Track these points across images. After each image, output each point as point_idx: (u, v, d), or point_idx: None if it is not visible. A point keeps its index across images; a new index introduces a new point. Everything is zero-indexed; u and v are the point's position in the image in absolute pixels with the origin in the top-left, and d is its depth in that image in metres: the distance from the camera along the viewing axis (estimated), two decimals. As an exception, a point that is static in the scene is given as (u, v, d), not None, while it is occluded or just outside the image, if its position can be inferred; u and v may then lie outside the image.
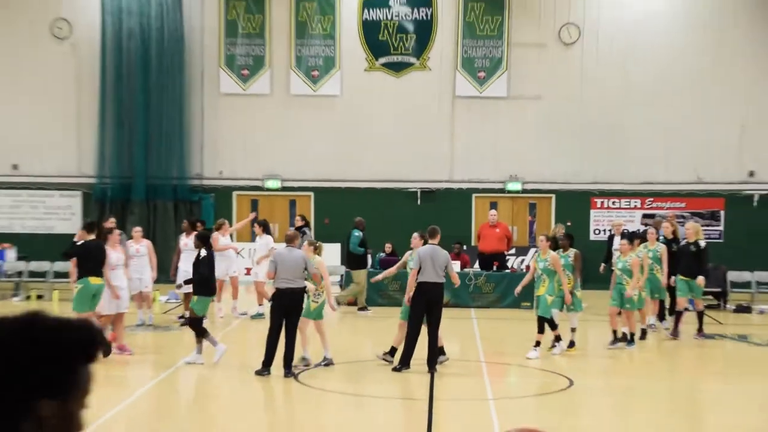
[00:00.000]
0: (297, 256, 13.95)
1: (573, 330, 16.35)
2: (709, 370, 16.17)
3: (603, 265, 21.33)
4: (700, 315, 18.43)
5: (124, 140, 28.16)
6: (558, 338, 16.06)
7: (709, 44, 28.18)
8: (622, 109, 28.27)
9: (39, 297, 23.95)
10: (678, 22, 28.27)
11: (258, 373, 13.76)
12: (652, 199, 28.45)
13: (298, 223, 22.48)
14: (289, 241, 14.30)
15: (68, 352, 2.17)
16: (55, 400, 2.15)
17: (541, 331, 15.82)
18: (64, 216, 28.51)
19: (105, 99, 28.07)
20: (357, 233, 22.46)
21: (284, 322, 13.72)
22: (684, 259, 18.33)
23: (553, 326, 15.94)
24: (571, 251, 16.57)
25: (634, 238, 18.20)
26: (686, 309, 18.56)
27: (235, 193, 28.91)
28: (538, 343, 15.76)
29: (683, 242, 18.68)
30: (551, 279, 15.98)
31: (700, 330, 18.24)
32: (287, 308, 13.79)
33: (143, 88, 27.91)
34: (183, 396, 13.63)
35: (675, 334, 18.04)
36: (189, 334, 15.32)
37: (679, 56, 28.22)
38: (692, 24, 28.24)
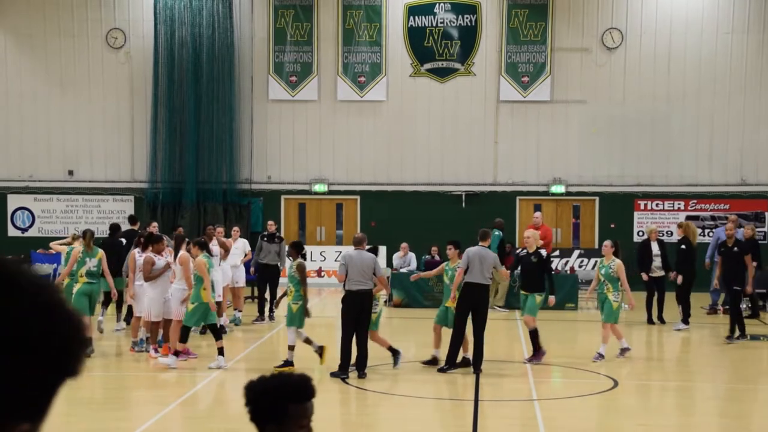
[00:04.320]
0: (367, 258, 14.20)
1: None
2: (753, 371, 16.30)
3: (643, 273, 21.11)
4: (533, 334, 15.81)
5: (175, 146, 28.85)
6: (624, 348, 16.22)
7: (752, 46, 28.28)
8: (665, 111, 28.47)
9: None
10: (721, 24, 28.38)
11: (335, 375, 14.00)
12: (695, 200, 28.60)
13: (271, 228, 21.58)
14: (358, 243, 14.53)
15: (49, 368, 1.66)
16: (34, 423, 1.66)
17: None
18: (116, 220, 29.18)
19: (158, 106, 28.77)
20: (497, 233, 23.10)
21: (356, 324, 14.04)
22: (525, 272, 16.22)
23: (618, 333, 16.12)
24: (615, 261, 16.24)
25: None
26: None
27: (283, 197, 29.47)
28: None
29: (523, 252, 16.50)
30: (615, 286, 16.04)
31: (535, 352, 15.73)
32: (359, 310, 14.05)
33: (194, 96, 28.59)
34: (236, 398, 14.02)
35: (534, 359, 15.73)
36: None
37: (722, 59, 28.35)
38: (736, 26, 28.35)
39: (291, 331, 14.76)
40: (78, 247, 16.39)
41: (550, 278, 16.10)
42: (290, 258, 15.57)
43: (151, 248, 15.99)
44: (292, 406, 3.59)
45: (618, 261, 16.16)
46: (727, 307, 22.58)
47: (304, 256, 15.41)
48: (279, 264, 21.05)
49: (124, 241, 19.62)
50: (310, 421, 3.65)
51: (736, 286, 18.29)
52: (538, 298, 15.83)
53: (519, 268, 16.54)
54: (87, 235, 16.52)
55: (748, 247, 18.83)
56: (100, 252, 16.50)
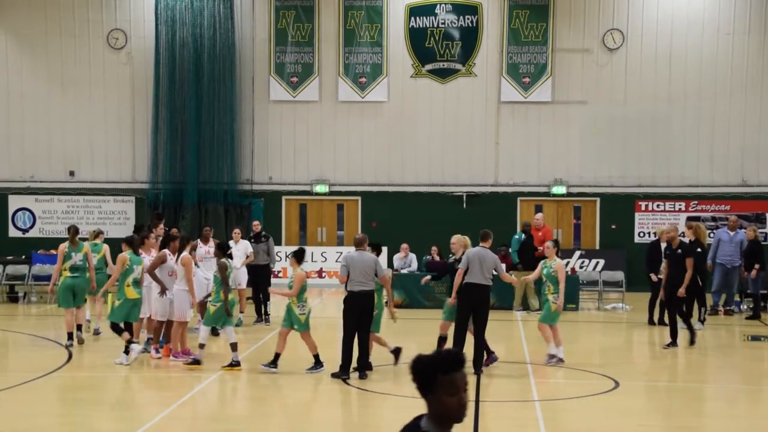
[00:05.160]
0: (368, 259, 14.19)
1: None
2: (756, 372, 16.31)
3: (652, 274, 20.85)
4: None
5: (176, 146, 28.87)
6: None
7: (753, 47, 28.30)
8: (666, 112, 28.49)
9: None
10: (722, 25, 28.40)
11: (335, 376, 14.01)
12: (696, 201, 28.61)
13: (257, 228, 21.52)
14: (359, 244, 14.48)
15: None
16: None
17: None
18: (118, 221, 29.26)
19: (159, 107, 28.79)
20: (516, 236, 23.50)
21: (358, 325, 14.03)
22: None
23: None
24: (555, 261, 15.70)
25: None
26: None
27: (284, 198, 29.48)
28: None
29: (452, 258, 15.97)
30: (555, 287, 15.50)
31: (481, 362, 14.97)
32: (361, 311, 14.04)
33: (195, 96, 28.60)
34: (232, 398, 14.04)
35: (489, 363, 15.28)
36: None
37: (723, 59, 28.37)
38: (737, 27, 28.36)
39: (204, 330, 15.11)
40: (87, 245, 17.27)
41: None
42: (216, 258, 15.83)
43: (168, 247, 16.01)
44: (441, 377, 4.05)
45: (558, 261, 15.64)
46: (729, 308, 22.67)
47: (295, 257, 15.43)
48: (270, 263, 21.08)
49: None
50: (463, 390, 4.08)
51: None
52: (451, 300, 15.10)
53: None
54: (71, 231, 17.08)
55: (691, 251, 17.88)
56: (86, 246, 17.21)
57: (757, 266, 22.13)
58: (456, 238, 15.72)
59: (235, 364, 14.60)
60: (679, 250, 17.67)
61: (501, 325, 19.64)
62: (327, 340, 16.05)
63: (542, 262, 16.05)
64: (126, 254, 15.52)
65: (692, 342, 17.54)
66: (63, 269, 16.85)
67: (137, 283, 15.57)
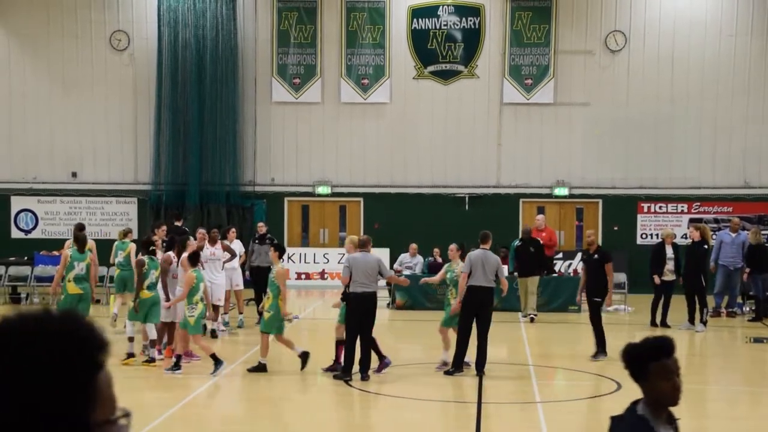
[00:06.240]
0: (371, 260, 14.20)
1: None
2: (758, 374, 16.31)
3: (655, 276, 20.70)
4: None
5: (179, 148, 28.87)
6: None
7: (756, 49, 28.29)
8: (668, 114, 28.47)
9: (97, 301, 24.59)
10: (724, 26, 28.38)
11: (338, 377, 14.04)
12: (699, 203, 28.59)
13: (262, 230, 21.39)
14: (362, 246, 14.50)
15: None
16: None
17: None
18: (120, 222, 29.22)
19: (161, 108, 28.80)
20: (513, 244, 23.17)
21: (360, 326, 14.02)
22: None
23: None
24: (459, 265, 15.12)
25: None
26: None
27: (286, 199, 29.47)
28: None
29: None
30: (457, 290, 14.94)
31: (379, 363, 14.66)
32: (363, 312, 14.04)
33: (198, 98, 28.61)
34: (238, 399, 14.07)
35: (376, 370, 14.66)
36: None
37: (725, 61, 28.36)
38: (739, 29, 28.35)
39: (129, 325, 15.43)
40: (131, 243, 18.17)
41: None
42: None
43: (175, 249, 16.02)
44: (653, 364, 4.25)
45: (462, 265, 14.95)
46: (731, 310, 22.66)
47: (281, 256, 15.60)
48: (271, 266, 21.02)
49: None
50: (676, 374, 4.28)
51: (596, 297, 16.41)
52: None
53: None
54: (79, 238, 16.94)
55: (609, 257, 16.87)
56: (89, 256, 17.02)
57: (747, 269, 22.18)
58: (451, 246, 15.65)
59: (150, 361, 15.14)
60: (596, 256, 16.61)
61: (503, 327, 19.63)
62: (327, 341, 16.04)
63: (447, 265, 15.78)
64: (144, 259, 15.53)
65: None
66: (67, 280, 16.48)
67: (153, 286, 15.62)
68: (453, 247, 15.59)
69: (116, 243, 19.48)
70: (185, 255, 15.59)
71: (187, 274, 14.66)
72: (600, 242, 28.62)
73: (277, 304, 14.68)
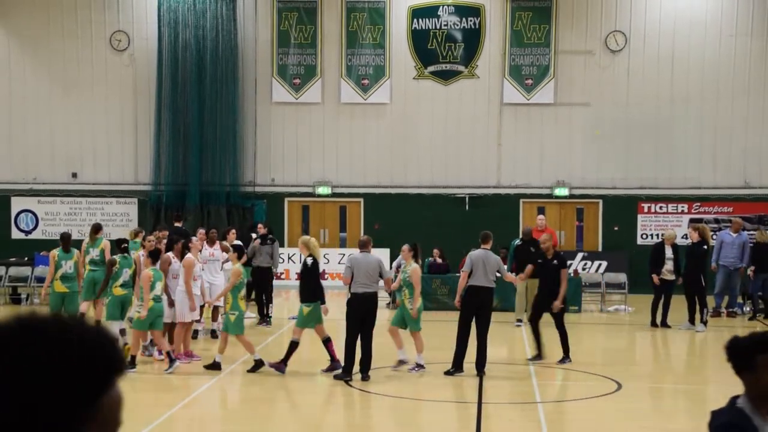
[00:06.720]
0: (372, 261, 14.22)
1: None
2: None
3: (654, 276, 20.64)
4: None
5: (179, 148, 28.88)
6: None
7: (756, 49, 28.28)
8: (669, 114, 28.47)
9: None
10: (725, 27, 28.38)
11: (338, 377, 14.07)
12: (699, 203, 28.58)
13: (261, 230, 21.35)
14: (363, 246, 14.52)
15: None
16: None
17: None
18: (120, 222, 29.25)
19: (161, 108, 28.80)
20: (513, 243, 23.04)
21: (361, 327, 14.05)
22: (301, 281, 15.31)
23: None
24: (411, 266, 14.98)
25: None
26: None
27: (286, 200, 29.48)
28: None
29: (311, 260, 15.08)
30: (411, 292, 14.85)
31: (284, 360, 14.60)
32: (364, 312, 14.08)
33: (198, 98, 28.62)
34: (235, 400, 14.06)
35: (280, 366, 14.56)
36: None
37: (725, 61, 28.36)
38: (739, 29, 28.35)
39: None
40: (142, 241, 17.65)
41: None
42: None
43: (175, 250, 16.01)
44: (759, 356, 4.22)
45: (414, 266, 14.86)
46: (731, 310, 22.67)
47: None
48: (272, 265, 21.10)
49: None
50: None
51: (555, 302, 16.02)
52: (306, 309, 14.72)
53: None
54: (63, 237, 17.56)
55: (566, 262, 16.64)
56: (76, 254, 17.38)
57: (752, 268, 22.20)
58: (404, 247, 15.39)
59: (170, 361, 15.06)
60: (555, 261, 16.26)
61: (503, 327, 19.63)
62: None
63: (402, 266, 15.59)
64: (150, 271, 14.93)
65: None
66: (55, 278, 16.88)
67: (126, 284, 15.63)
68: (405, 247, 15.28)
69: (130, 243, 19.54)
70: (189, 255, 15.63)
71: (143, 272, 14.71)
72: (600, 242, 28.85)
73: (238, 304, 14.67)
